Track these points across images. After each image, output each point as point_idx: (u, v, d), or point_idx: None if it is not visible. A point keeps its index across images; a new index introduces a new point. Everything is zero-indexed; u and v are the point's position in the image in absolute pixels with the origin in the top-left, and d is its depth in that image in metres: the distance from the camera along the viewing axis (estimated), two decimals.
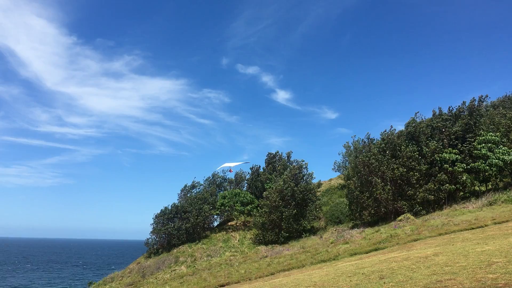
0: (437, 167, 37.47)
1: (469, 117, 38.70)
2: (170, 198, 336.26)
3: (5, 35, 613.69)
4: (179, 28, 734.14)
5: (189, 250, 47.24)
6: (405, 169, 37.82)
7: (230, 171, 63.03)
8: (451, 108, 41.31)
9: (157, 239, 52.17)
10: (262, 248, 43.07)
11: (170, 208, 53.39)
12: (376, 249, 26.08)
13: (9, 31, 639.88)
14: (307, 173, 49.63)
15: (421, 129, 40.69)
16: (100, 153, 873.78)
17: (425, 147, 38.73)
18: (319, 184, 52.45)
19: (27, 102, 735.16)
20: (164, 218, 52.16)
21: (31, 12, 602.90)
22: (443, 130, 38.95)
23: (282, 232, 44.47)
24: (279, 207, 44.95)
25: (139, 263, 50.17)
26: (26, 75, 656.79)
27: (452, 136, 38.40)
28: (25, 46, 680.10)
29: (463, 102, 40.86)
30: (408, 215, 34.98)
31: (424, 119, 43.49)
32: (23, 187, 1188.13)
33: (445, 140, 38.67)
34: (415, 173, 37.50)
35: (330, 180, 69.07)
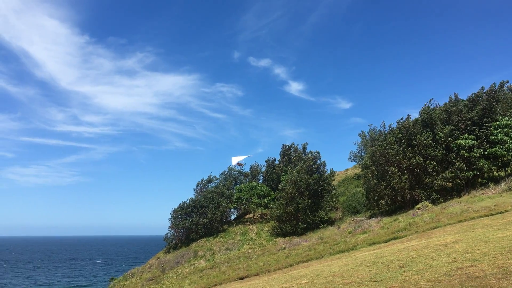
0: (453, 153, 36.99)
1: (486, 102, 37.96)
2: (187, 192, 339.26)
3: (18, 37, 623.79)
4: (189, 23, 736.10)
5: (208, 244, 47.74)
6: (422, 158, 37.43)
7: (239, 165, 63.51)
8: (473, 95, 40.18)
9: (175, 234, 52.80)
10: (280, 240, 43.28)
11: (188, 203, 53.90)
12: (394, 238, 26.02)
13: (22, 32, 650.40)
14: (320, 162, 49.46)
15: (436, 115, 40.08)
16: (116, 151, 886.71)
17: (440, 132, 38.24)
18: (332, 173, 51.84)
19: (43, 103, 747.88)
20: (182, 213, 52.72)
21: (43, 13, 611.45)
22: (461, 115, 38.29)
23: (300, 224, 44.57)
24: (295, 199, 45.05)
25: (158, 258, 50.92)
26: (41, 75, 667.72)
27: (469, 122, 37.77)
28: (38, 47, 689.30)
29: (482, 87, 40.12)
30: (426, 203, 34.67)
31: (438, 105, 42.88)
32: (42, 186, 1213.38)
33: (461, 126, 38.07)
34: (432, 162, 37.09)
35: (346, 170, 68.71)
